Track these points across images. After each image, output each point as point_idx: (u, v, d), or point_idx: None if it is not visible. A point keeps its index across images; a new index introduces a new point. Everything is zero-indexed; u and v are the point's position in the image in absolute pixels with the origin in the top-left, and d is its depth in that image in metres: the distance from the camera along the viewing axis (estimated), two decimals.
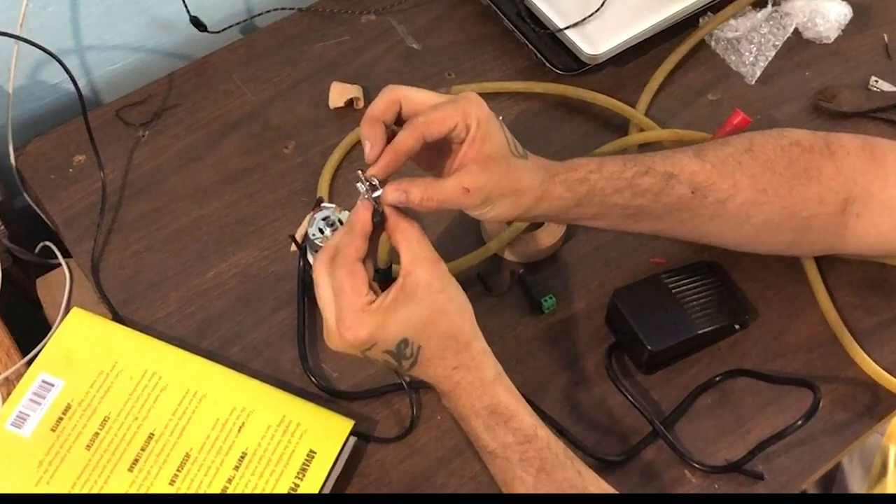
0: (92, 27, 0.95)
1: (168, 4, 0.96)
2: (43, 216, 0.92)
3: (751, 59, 0.98)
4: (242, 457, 0.73)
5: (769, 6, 1.00)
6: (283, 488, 0.72)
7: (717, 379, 0.80)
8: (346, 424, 0.75)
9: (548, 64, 0.97)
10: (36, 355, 0.78)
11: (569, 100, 0.96)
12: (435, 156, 0.68)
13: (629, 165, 0.71)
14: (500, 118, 0.67)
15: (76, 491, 0.71)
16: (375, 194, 0.64)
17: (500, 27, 1.01)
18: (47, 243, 0.88)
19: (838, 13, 1.00)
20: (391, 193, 0.63)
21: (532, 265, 0.86)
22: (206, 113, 0.95)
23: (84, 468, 0.72)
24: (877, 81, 0.97)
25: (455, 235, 0.87)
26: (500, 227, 0.84)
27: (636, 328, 0.78)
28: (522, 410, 0.66)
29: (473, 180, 0.64)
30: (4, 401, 0.76)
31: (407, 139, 0.63)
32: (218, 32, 0.99)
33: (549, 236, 0.85)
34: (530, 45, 0.98)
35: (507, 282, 0.85)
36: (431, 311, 0.63)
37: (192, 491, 0.72)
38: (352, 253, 0.63)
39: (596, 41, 0.94)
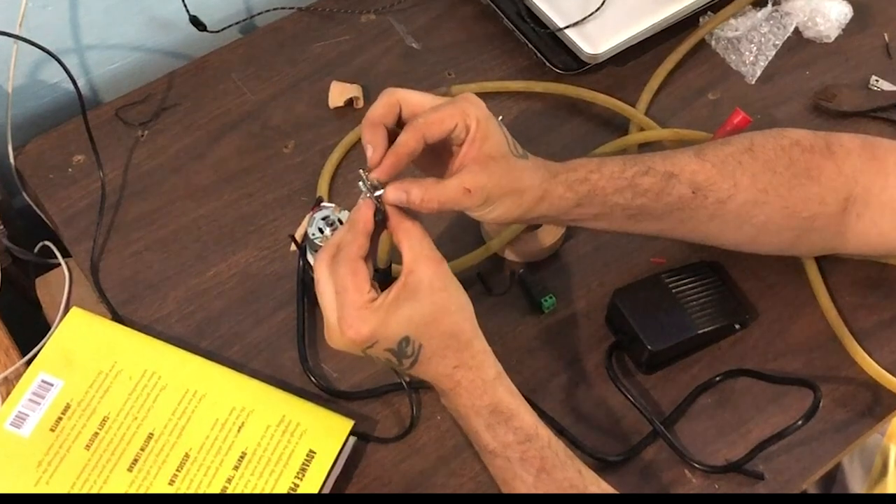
0: (91, 26, 0.95)
1: (167, 4, 0.96)
2: (42, 216, 0.92)
3: (751, 58, 0.98)
4: (242, 457, 0.73)
5: (769, 5, 1.00)
6: (282, 488, 0.72)
7: (718, 379, 0.80)
8: (346, 424, 0.75)
9: (548, 63, 0.97)
10: (35, 355, 0.78)
11: (569, 99, 0.96)
12: (436, 159, 0.68)
13: (629, 165, 0.71)
14: (500, 119, 0.67)
15: (75, 491, 0.71)
16: (377, 194, 0.64)
17: (499, 27, 1.01)
18: (46, 243, 0.88)
19: (839, 12, 1.00)
20: (392, 193, 0.63)
21: (532, 265, 0.86)
22: (205, 112, 0.95)
23: (83, 468, 0.72)
24: (877, 81, 0.97)
25: (455, 235, 0.87)
26: (500, 227, 0.84)
27: (636, 328, 0.78)
28: (523, 410, 0.66)
29: (474, 180, 0.64)
30: (4, 400, 0.76)
31: (408, 141, 0.63)
32: (217, 32, 0.99)
33: (549, 236, 0.85)
34: (530, 45, 0.98)
35: (507, 281, 0.85)
36: (433, 309, 0.63)
37: (191, 491, 0.71)
38: (354, 251, 0.63)
39: (596, 41, 0.94)
